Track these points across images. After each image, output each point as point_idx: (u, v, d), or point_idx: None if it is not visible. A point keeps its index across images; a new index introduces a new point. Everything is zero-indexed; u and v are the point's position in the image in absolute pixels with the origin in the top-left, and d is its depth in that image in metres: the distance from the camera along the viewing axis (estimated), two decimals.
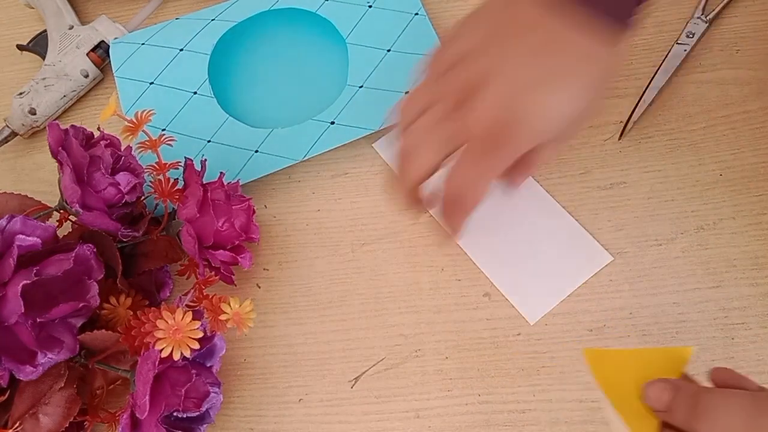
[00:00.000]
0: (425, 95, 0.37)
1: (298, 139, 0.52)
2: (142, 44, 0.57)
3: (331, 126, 0.52)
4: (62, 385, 0.41)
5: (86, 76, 0.57)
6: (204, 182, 0.46)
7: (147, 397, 0.38)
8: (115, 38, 0.58)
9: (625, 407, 0.32)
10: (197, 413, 0.41)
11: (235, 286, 0.48)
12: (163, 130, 0.53)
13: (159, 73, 0.56)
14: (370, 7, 0.56)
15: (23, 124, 0.55)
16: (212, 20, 0.57)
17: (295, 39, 0.59)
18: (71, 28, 0.58)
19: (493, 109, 0.34)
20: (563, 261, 0.46)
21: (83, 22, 0.59)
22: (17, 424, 0.40)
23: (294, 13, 0.57)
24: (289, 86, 0.57)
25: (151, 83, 0.55)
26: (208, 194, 0.44)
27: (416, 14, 0.55)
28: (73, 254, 0.40)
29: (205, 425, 0.43)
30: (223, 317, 0.43)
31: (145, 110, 0.45)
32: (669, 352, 0.33)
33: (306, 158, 0.51)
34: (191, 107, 0.54)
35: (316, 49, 0.58)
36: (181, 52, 0.56)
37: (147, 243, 0.48)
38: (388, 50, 0.54)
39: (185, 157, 0.47)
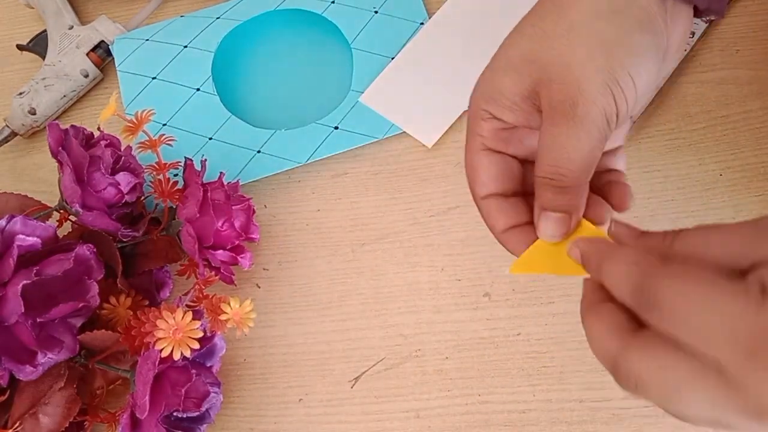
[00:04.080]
0: None
1: (302, 141, 0.52)
2: (146, 40, 0.57)
3: (335, 131, 0.52)
4: (62, 385, 0.41)
5: (86, 76, 0.57)
6: (204, 182, 0.46)
7: (147, 397, 0.38)
8: (119, 35, 0.58)
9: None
10: (197, 413, 0.41)
11: (235, 286, 0.48)
12: (164, 125, 0.54)
13: (162, 68, 0.56)
14: (376, 12, 0.56)
15: (23, 124, 0.55)
16: (217, 18, 0.57)
17: (300, 41, 0.58)
18: (71, 28, 0.58)
19: None
20: None
21: (83, 22, 0.59)
22: (17, 424, 0.40)
23: (299, 15, 0.57)
24: (293, 88, 0.57)
25: (154, 78, 0.55)
26: (208, 194, 0.44)
27: (421, 24, 0.55)
28: (73, 254, 0.40)
29: (205, 425, 0.43)
30: (223, 317, 0.43)
31: (145, 110, 0.45)
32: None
33: (309, 162, 0.51)
34: (193, 104, 0.54)
35: (320, 52, 0.58)
36: (185, 49, 0.56)
37: (147, 243, 0.48)
38: (392, 58, 0.54)
39: (185, 157, 0.47)
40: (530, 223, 0.33)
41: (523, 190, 0.35)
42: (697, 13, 0.33)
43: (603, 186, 0.34)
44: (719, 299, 0.22)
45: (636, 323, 0.25)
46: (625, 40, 0.30)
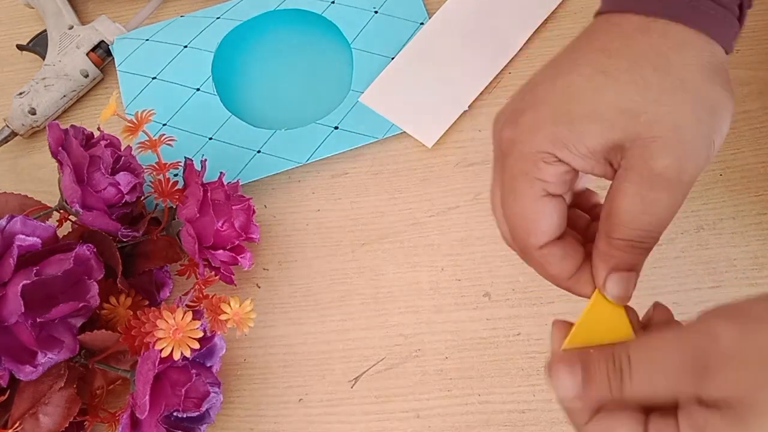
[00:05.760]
0: None
1: (302, 141, 0.52)
2: (146, 40, 0.57)
3: (335, 131, 0.52)
4: (62, 385, 0.41)
5: (86, 76, 0.57)
6: (204, 182, 0.46)
7: (147, 397, 0.38)
8: (119, 35, 0.58)
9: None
10: (197, 413, 0.41)
11: (235, 286, 0.48)
12: (164, 125, 0.54)
13: (162, 68, 0.56)
14: (376, 12, 0.56)
15: (23, 124, 0.55)
16: (217, 18, 0.57)
17: (300, 41, 0.58)
18: (71, 28, 0.58)
19: None
20: None
21: (83, 22, 0.59)
22: (17, 424, 0.40)
23: (299, 15, 0.57)
24: (293, 88, 0.57)
25: (154, 78, 0.55)
26: (208, 194, 0.45)
27: (421, 24, 0.55)
28: (73, 254, 0.40)
29: (205, 425, 0.43)
30: (223, 317, 0.43)
31: (145, 110, 0.45)
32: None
33: (309, 162, 0.51)
34: (193, 104, 0.54)
35: (320, 52, 0.58)
36: (185, 48, 0.56)
37: (147, 243, 0.48)
38: (392, 58, 0.54)
39: (185, 157, 0.47)
40: (588, 260, 0.31)
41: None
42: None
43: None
44: None
45: None
46: (727, 101, 0.29)
